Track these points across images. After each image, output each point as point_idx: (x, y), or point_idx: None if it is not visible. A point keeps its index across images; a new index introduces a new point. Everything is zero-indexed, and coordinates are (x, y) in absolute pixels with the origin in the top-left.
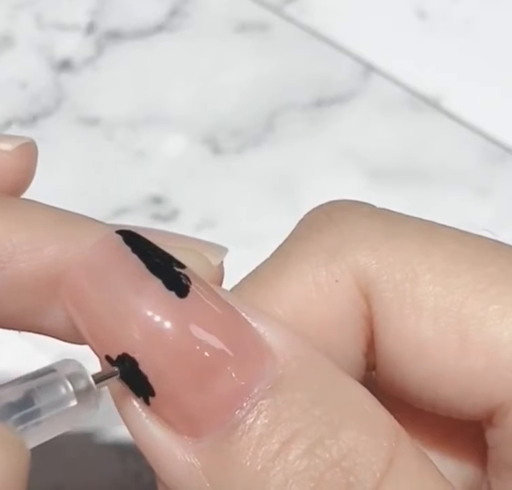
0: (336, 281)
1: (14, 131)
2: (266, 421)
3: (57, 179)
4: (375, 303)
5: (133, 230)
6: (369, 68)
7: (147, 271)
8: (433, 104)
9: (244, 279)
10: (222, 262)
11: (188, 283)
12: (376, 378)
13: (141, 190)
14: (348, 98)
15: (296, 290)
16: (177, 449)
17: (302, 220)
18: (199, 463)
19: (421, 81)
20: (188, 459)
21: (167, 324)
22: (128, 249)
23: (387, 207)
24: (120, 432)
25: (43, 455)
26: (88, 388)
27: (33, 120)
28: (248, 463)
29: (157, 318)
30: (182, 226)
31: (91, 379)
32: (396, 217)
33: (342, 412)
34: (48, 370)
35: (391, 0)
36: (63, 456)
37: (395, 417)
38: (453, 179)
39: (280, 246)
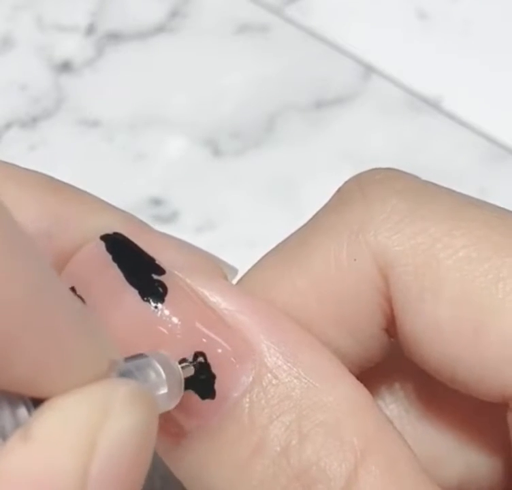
0: (354, 260)
1: (14, 132)
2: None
3: None
4: (394, 285)
5: (117, 234)
6: (369, 69)
7: (124, 282)
8: (433, 104)
9: (272, 249)
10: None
11: (164, 290)
12: (401, 347)
13: (141, 192)
14: (349, 99)
15: (317, 264)
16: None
17: (339, 189)
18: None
19: (421, 81)
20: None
21: (143, 338)
22: (109, 258)
23: None
24: None
25: None
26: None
27: (33, 121)
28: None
29: (132, 332)
30: (182, 228)
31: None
32: (430, 194)
33: (312, 419)
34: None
35: (391, 1)
36: None
37: (425, 389)
38: (453, 179)
39: (314, 215)
